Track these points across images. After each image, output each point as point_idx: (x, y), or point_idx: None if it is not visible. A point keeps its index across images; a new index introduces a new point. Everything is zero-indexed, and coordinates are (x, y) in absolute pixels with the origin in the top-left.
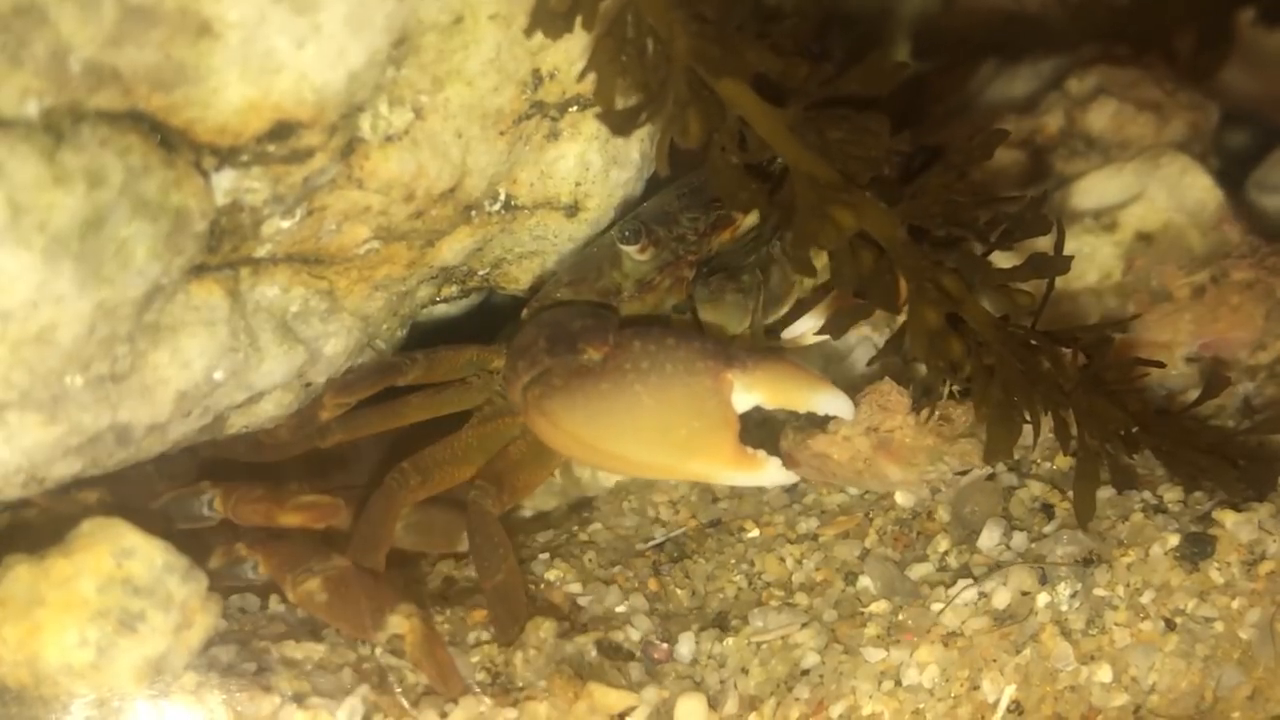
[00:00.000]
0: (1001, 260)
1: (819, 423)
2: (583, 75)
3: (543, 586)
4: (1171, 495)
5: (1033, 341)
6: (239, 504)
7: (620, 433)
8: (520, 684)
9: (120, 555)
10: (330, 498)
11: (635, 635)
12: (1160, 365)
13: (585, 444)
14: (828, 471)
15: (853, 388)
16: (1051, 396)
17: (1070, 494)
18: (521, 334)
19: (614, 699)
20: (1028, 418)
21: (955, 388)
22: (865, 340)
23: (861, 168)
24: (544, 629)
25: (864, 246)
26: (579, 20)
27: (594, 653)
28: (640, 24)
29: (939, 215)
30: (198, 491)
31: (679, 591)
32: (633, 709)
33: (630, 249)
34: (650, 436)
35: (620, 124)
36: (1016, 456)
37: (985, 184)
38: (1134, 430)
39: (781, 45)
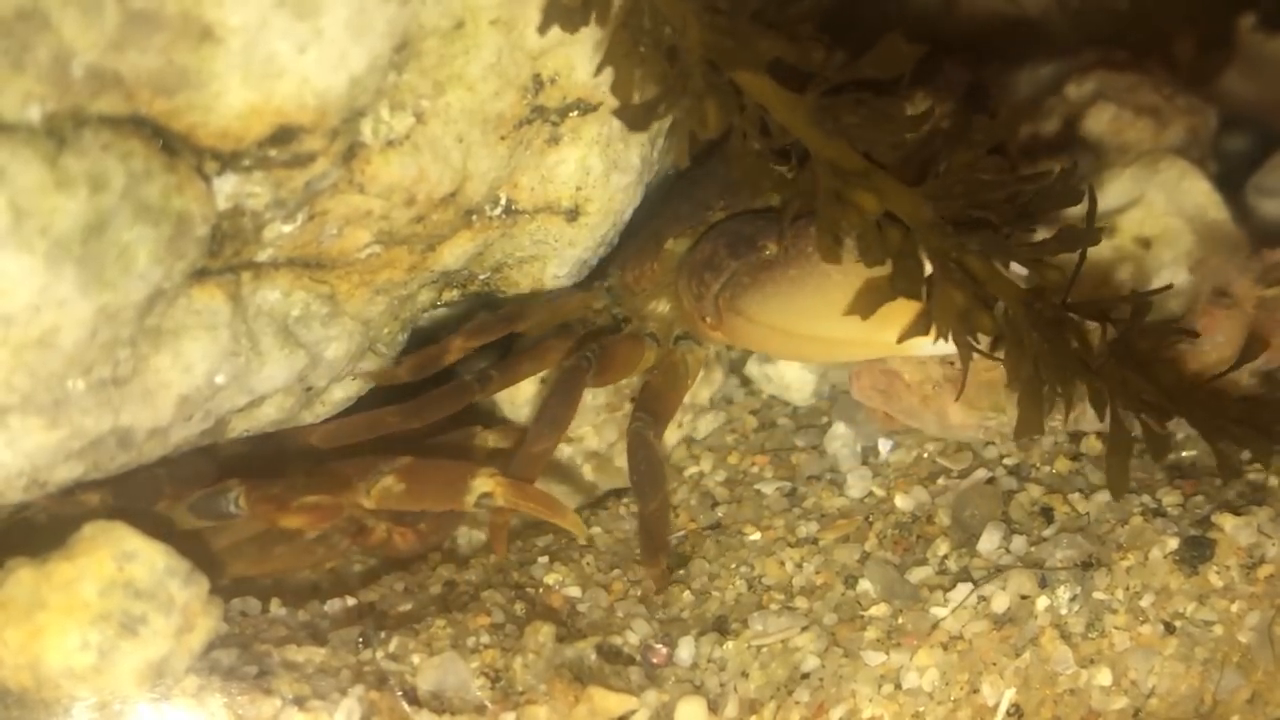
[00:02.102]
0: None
1: None
2: (599, 69)
3: (541, 590)
4: (1171, 499)
5: (1063, 316)
6: (255, 501)
7: (816, 312)
8: (520, 688)
9: (122, 559)
10: (333, 499)
11: (634, 639)
12: (1194, 334)
13: (784, 331)
14: (893, 392)
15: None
16: (1082, 370)
17: (1069, 497)
18: (695, 253)
19: (614, 703)
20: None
21: None
22: None
23: (884, 150)
24: (543, 633)
25: (890, 225)
26: (593, 15)
27: (593, 656)
28: (655, 17)
29: (963, 195)
30: (224, 489)
31: (679, 595)
32: (633, 713)
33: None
34: (844, 311)
35: (637, 118)
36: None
37: (1009, 161)
38: (1164, 400)
39: (796, 31)
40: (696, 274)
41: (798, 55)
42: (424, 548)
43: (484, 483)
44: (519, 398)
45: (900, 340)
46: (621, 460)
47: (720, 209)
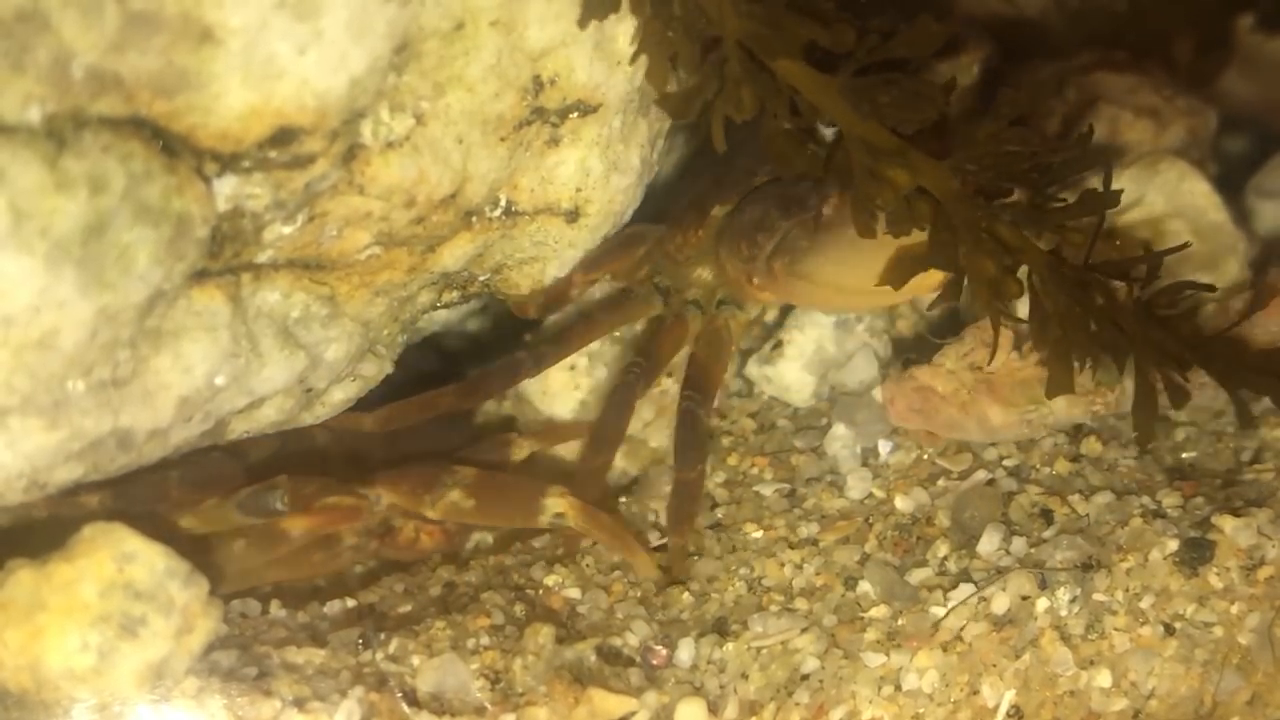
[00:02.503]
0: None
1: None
2: (634, 57)
3: (541, 592)
4: (1170, 500)
5: (1088, 277)
6: (293, 501)
7: (877, 267)
8: (520, 690)
9: (122, 560)
10: (354, 498)
11: (634, 640)
12: (1210, 289)
13: (847, 290)
14: (930, 409)
15: (854, 396)
16: (1108, 328)
17: (1069, 499)
18: (740, 216)
19: (614, 704)
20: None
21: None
22: (865, 347)
23: (910, 126)
24: (542, 635)
25: (920, 198)
26: (625, 4)
27: (593, 658)
28: (685, 4)
29: (991, 167)
30: (271, 486)
31: (678, 596)
32: (633, 714)
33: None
34: (896, 270)
35: (678, 106)
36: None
37: (1033, 131)
38: (1186, 354)
39: (826, 14)
40: (746, 235)
41: (832, 39)
42: (450, 547)
43: (556, 503)
44: (551, 387)
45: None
46: (656, 440)
47: (765, 174)
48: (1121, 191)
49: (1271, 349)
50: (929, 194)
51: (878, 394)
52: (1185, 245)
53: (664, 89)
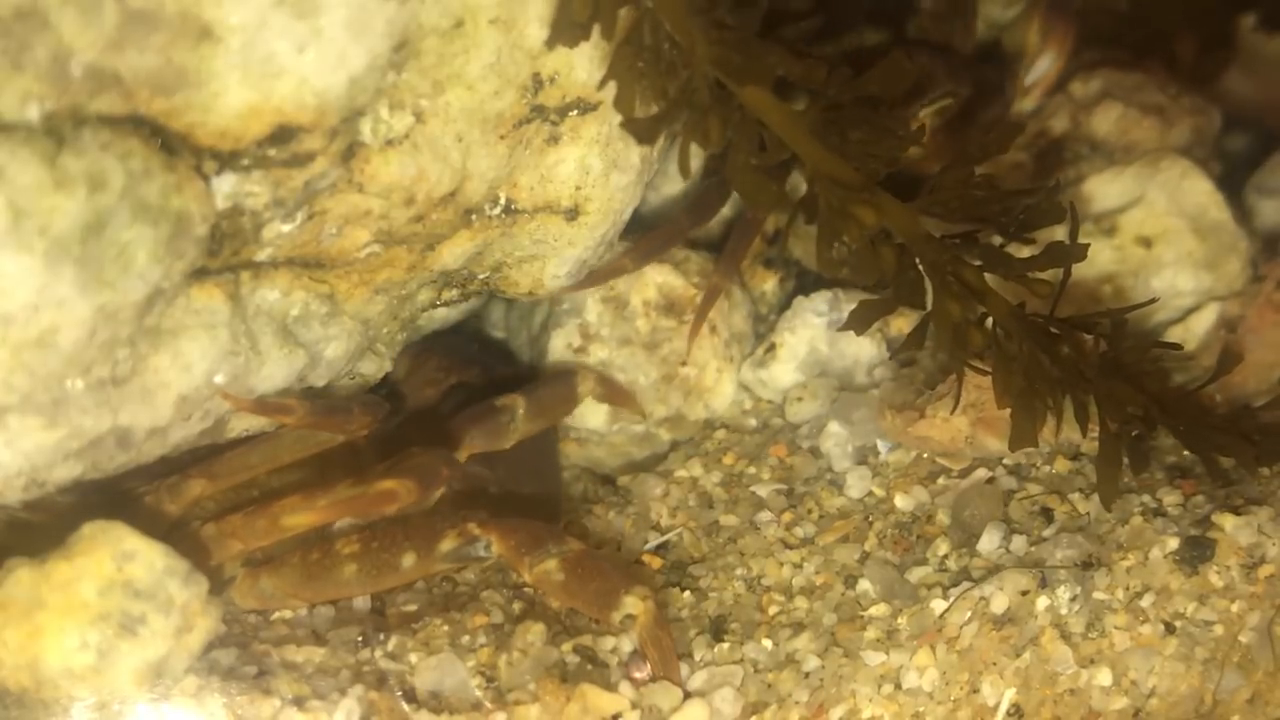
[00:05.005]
0: (1016, 253)
1: (911, 401)
2: (602, 84)
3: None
4: (1171, 499)
5: (1052, 329)
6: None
7: None
8: (515, 687)
9: (121, 559)
10: (363, 491)
11: (630, 641)
12: (1178, 348)
13: None
14: (929, 447)
15: (852, 395)
16: (1072, 382)
17: (1069, 497)
18: None
19: (606, 701)
20: (1050, 404)
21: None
22: (860, 346)
23: (878, 165)
24: (533, 632)
25: (885, 243)
26: (597, 28)
27: (588, 656)
28: (658, 32)
29: (958, 210)
30: (473, 538)
31: (678, 595)
32: (628, 709)
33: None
34: None
35: (644, 132)
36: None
37: (1001, 177)
38: (1151, 411)
39: (798, 47)
40: None
41: (803, 72)
42: None
43: (634, 604)
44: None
45: None
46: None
47: None
48: (1088, 246)
49: (1237, 408)
50: (894, 239)
51: (875, 392)
52: (1153, 300)
53: (631, 114)
